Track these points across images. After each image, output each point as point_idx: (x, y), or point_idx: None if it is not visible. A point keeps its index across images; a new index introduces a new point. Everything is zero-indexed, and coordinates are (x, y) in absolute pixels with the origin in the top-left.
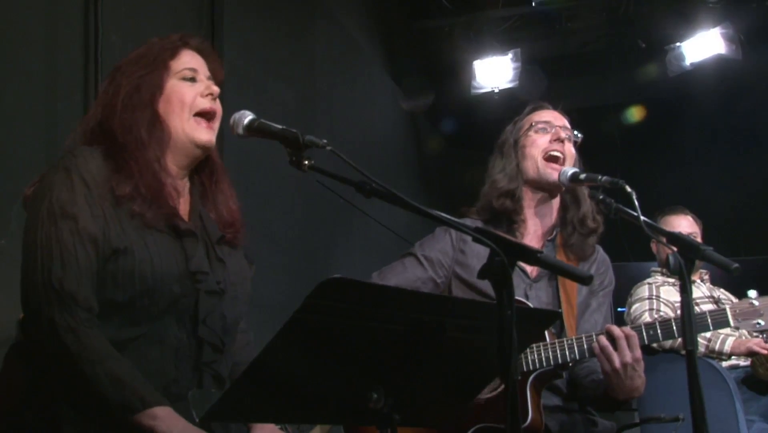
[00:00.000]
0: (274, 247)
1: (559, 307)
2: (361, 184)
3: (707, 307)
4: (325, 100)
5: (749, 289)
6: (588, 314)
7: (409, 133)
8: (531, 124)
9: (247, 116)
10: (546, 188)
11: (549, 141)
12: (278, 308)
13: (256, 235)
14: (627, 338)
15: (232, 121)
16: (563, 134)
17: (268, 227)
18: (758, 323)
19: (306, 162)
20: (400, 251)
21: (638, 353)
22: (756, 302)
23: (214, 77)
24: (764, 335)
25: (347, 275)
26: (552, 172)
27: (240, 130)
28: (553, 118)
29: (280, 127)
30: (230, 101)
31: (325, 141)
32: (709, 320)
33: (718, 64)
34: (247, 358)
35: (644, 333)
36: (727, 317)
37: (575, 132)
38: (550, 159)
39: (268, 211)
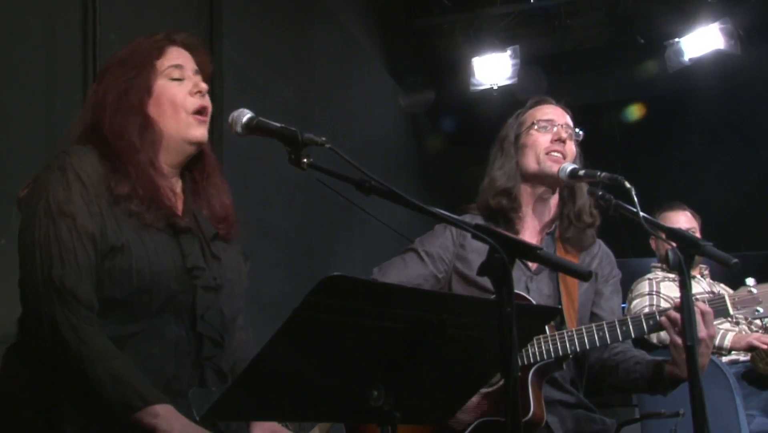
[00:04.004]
0: (274, 245)
1: (560, 299)
2: (360, 182)
3: None
4: (324, 98)
5: None
6: (604, 301)
7: (408, 130)
8: (533, 122)
9: (246, 115)
10: (546, 183)
11: (550, 141)
12: (278, 306)
13: (256, 233)
14: (703, 314)
15: (230, 119)
16: (564, 134)
17: (268, 225)
18: (757, 310)
19: (305, 160)
20: (400, 248)
21: (713, 330)
22: (754, 290)
23: (202, 71)
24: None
25: (347, 273)
26: (553, 165)
27: (238, 129)
28: (555, 116)
29: (278, 125)
30: (229, 100)
31: (323, 139)
32: None
33: (717, 59)
34: (246, 355)
35: (644, 323)
36: (726, 305)
37: (577, 130)
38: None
39: (267, 209)
